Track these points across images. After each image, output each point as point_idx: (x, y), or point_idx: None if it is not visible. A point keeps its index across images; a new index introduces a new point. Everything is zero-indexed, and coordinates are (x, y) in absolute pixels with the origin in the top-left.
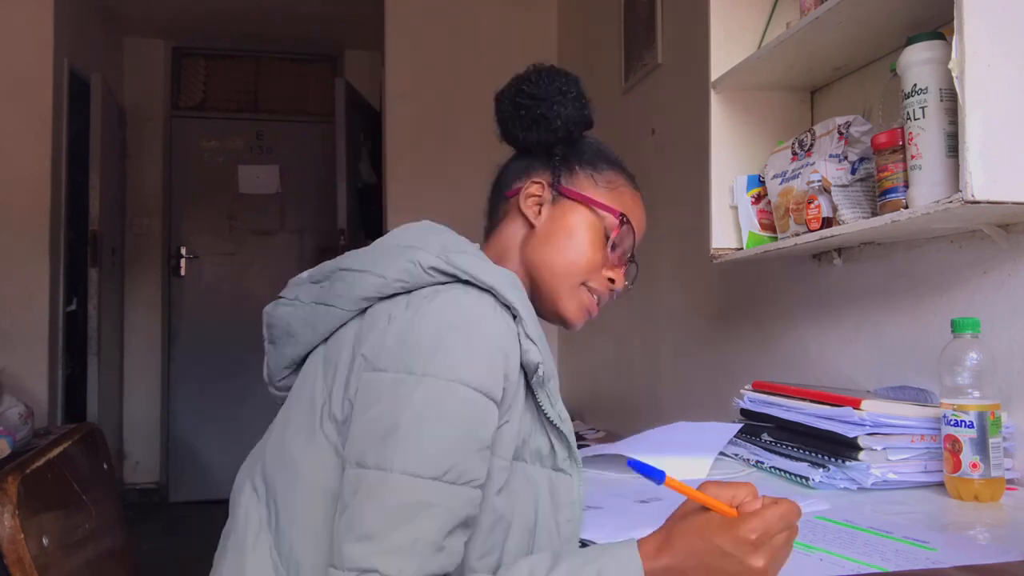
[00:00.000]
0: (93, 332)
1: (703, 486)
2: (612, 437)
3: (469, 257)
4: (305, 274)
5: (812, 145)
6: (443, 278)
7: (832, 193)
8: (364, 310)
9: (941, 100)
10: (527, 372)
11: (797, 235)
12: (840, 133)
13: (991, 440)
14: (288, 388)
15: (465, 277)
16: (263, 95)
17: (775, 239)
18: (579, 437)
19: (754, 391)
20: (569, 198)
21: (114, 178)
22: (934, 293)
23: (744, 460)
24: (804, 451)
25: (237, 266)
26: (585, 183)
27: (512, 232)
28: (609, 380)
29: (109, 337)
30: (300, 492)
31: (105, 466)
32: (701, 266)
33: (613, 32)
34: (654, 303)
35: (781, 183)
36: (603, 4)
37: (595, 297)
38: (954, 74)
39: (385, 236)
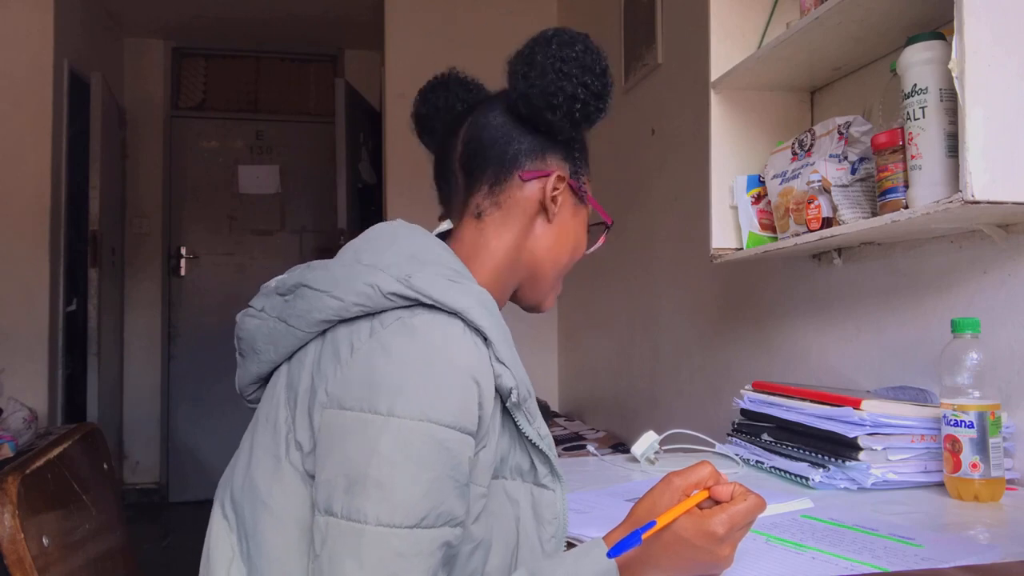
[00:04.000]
0: (93, 332)
1: (666, 477)
2: (612, 437)
3: (433, 276)
4: (274, 282)
5: (812, 145)
6: (405, 302)
7: (832, 193)
8: (324, 331)
9: (941, 100)
10: (501, 396)
11: (797, 235)
12: (840, 133)
13: (991, 440)
14: (259, 400)
15: (428, 303)
16: (263, 95)
17: (775, 239)
18: (579, 437)
19: (754, 391)
20: (581, 200)
21: (114, 178)
22: (934, 293)
23: (743, 460)
24: (804, 451)
25: (237, 266)
26: (587, 184)
27: (502, 220)
28: (609, 380)
29: (109, 337)
30: (269, 523)
31: (105, 466)
32: (701, 266)
33: (613, 32)
34: (654, 303)
35: (781, 183)
36: (603, 4)
37: None
38: (954, 74)
39: (354, 242)
